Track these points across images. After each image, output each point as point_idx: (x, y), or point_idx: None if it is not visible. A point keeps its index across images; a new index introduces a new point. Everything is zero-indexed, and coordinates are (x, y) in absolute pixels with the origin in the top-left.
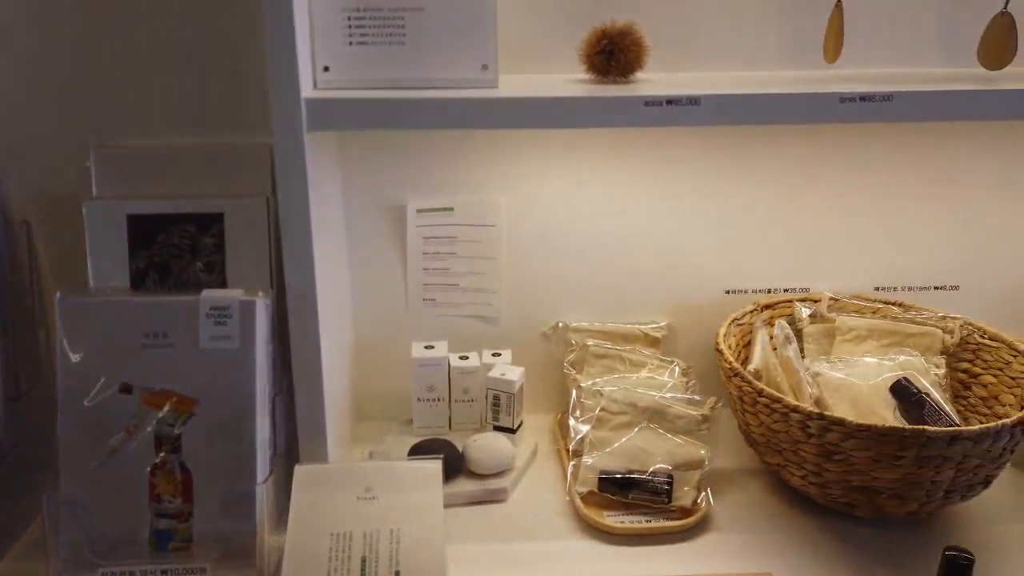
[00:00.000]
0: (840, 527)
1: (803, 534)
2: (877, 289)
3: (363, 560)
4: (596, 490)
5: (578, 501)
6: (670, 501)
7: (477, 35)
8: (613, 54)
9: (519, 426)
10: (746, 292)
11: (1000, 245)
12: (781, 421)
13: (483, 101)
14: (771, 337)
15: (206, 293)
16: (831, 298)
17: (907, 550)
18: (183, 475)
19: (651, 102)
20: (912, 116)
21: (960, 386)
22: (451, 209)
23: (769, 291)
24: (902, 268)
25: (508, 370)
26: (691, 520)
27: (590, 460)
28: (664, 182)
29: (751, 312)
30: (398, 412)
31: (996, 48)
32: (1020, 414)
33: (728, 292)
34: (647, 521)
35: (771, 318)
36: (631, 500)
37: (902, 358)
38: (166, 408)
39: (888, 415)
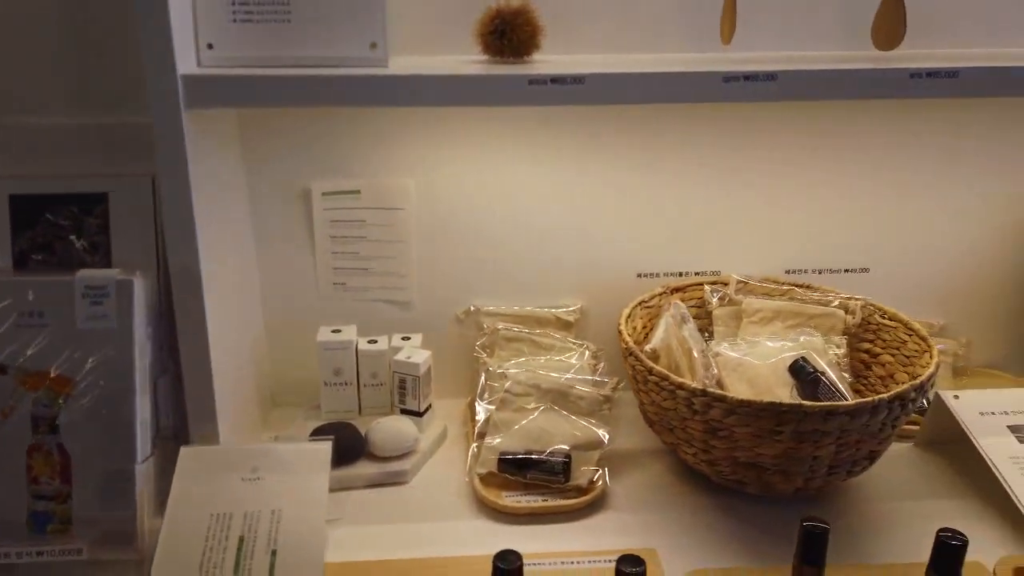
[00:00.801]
0: (731, 504)
1: (695, 512)
2: (788, 272)
3: (240, 540)
4: (496, 471)
5: (476, 482)
6: (567, 481)
7: (365, 12)
8: (505, 34)
9: (426, 409)
10: (658, 276)
11: (910, 229)
12: (670, 399)
13: (364, 78)
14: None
15: (82, 272)
16: (739, 281)
17: (793, 526)
18: (61, 457)
19: (535, 80)
20: (797, 95)
21: (862, 365)
22: (358, 192)
23: (681, 274)
24: (813, 252)
25: (414, 353)
26: (586, 499)
27: (492, 442)
28: (578, 166)
29: (659, 295)
30: (312, 398)
31: (887, 28)
32: (897, 388)
33: (640, 276)
34: (543, 500)
35: (681, 300)
36: (529, 480)
37: (803, 338)
38: (42, 389)
39: (784, 394)
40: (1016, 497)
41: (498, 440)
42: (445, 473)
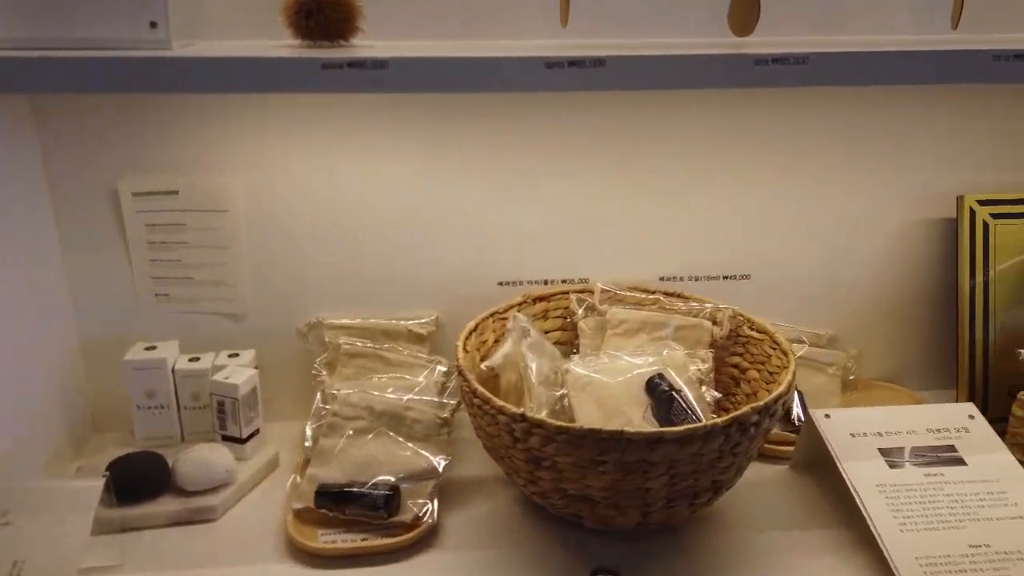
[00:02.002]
0: (575, 538)
1: (535, 546)
2: (662, 279)
3: None
4: (312, 505)
5: (289, 519)
6: (390, 516)
7: None
8: (312, 15)
9: (251, 435)
10: (521, 284)
11: (797, 234)
12: (492, 424)
13: (130, 61)
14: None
15: None
16: (603, 289)
17: (641, 562)
18: None
19: (329, 64)
20: (626, 84)
21: (732, 381)
22: (175, 193)
23: (546, 283)
24: (690, 258)
25: (235, 373)
26: (411, 536)
27: (314, 472)
28: (430, 164)
29: (517, 305)
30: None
31: (742, 13)
32: (733, 414)
33: (501, 284)
34: (363, 539)
35: (545, 311)
36: (348, 516)
37: (666, 352)
38: None
39: (637, 415)
40: (875, 529)
41: (320, 470)
42: (263, 508)
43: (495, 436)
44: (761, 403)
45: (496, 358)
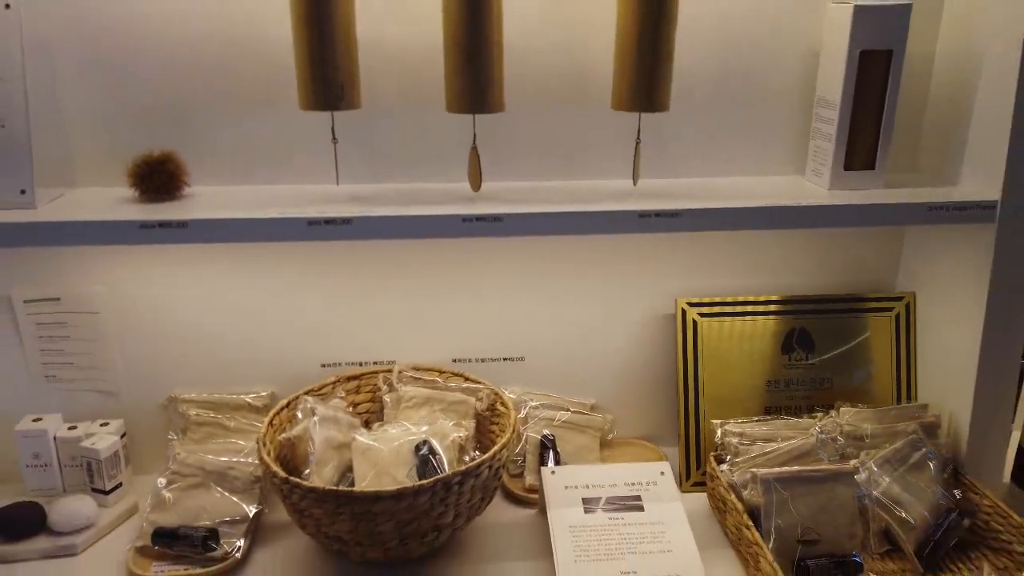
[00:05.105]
0: (349, 570)
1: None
2: (455, 361)
3: None
4: (150, 543)
5: (130, 554)
6: (206, 552)
7: (14, 163)
8: (144, 179)
9: (113, 488)
10: (340, 365)
11: (559, 323)
12: (271, 483)
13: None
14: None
15: None
16: (400, 370)
17: None
18: None
19: (147, 224)
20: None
21: (491, 444)
22: (57, 299)
23: (361, 364)
24: (477, 343)
25: (100, 439)
26: (220, 567)
27: (154, 517)
28: (261, 270)
29: (331, 384)
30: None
31: (473, 172)
32: (436, 477)
33: (324, 365)
34: (185, 570)
35: (358, 387)
36: (176, 552)
37: (439, 423)
38: None
39: (402, 473)
40: (556, 559)
41: (158, 516)
42: (115, 546)
43: (278, 491)
44: (462, 468)
45: (296, 430)
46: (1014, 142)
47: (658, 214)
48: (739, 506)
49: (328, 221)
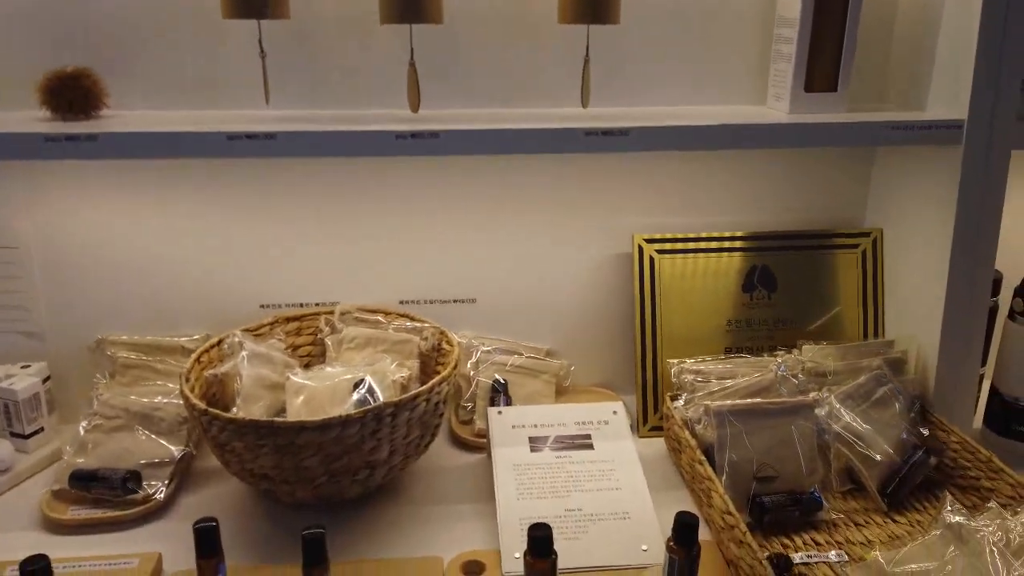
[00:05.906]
0: (280, 511)
1: (247, 520)
2: (402, 302)
3: None
4: (67, 487)
5: (45, 496)
6: (127, 494)
7: None
8: (55, 94)
9: (33, 432)
10: (279, 306)
11: (513, 263)
12: (194, 418)
13: None
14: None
15: None
16: (342, 312)
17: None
18: None
19: (52, 137)
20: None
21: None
22: None
23: (302, 305)
24: (426, 283)
25: (18, 380)
26: (139, 510)
27: (73, 460)
28: (197, 206)
29: (269, 324)
30: None
31: (411, 90)
32: (367, 407)
33: (262, 306)
34: (103, 512)
35: (299, 329)
36: (94, 495)
37: (380, 363)
38: None
39: (336, 411)
40: (497, 496)
41: (77, 459)
42: (34, 491)
43: (199, 426)
44: (395, 400)
45: (225, 367)
46: (979, 65)
47: (606, 132)
48: (692, 442)
49: (250, 136)
